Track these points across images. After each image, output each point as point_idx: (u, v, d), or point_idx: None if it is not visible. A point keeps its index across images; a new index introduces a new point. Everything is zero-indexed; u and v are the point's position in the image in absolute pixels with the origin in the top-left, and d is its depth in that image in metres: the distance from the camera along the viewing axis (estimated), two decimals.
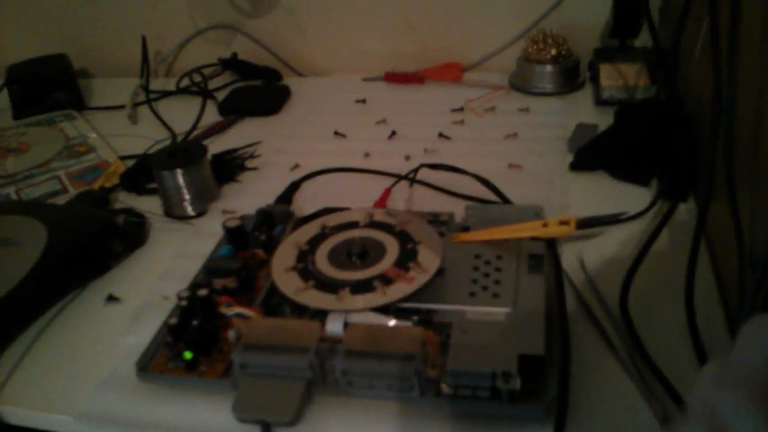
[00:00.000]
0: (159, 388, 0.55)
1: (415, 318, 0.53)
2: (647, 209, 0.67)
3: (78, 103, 1.07)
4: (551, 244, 0.60)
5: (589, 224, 0.62)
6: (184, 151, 0.78)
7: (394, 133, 0.88)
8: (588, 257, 0.62)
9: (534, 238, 0.59)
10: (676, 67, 0.68)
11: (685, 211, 0.67)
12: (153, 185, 0.82)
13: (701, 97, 0.69)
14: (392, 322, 0.52)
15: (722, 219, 0.59)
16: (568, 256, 0.62)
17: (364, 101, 0.99)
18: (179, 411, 0.52)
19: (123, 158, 0.90)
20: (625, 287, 0.57)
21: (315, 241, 0.61)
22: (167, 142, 0.93)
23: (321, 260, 0.58)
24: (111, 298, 0.66)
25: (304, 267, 0.58)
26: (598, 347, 0.54)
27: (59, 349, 0.61)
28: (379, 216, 0.63)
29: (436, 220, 0.64)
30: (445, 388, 0.48)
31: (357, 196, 0.73)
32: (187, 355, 0.53)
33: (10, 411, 0.56)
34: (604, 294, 0.58)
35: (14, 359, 0.60)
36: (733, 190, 0.52)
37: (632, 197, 0.70)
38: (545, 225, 0.58)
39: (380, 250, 0.58)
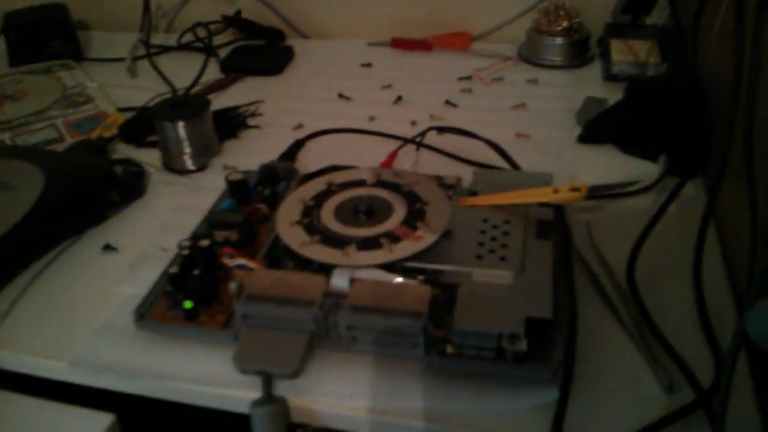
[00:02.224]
0: (157, 337, 0.54)
1: (421, 278, 0.52)
2: (655, 183, 0.66)
3: (76, 53, 1.04)
4: (559, 211, 0.59)
5: (600, 193, 0.61)
6: (186, 104, 0.76)
7: (399, 98, 0.87)
8: (594, 227, 0.61)
9: (543, 205, 0.58)
10: (695, 43, 0.67)
11: (693, 187, 0.66)
12: (152, 138, 0.80)
13: (717, 74, 0.68)
14: (398, 280, 0.51)
15: (731, 196, 0.59)
16: (574, 226, 0.62)
17: (369, 65, 0.97)
18: (177, 360, 0.52)
19: (122, 110, 0.88)
20: (633, 257, 0.56)
21: (321, 197, 0.60)
22: (167, 96, 0.91)
23: (327, 216, 0.57)
24: (108, 248, 0.64)
25: (310, 222, 0.57)
26: (604, 316, 0.53)
27: (54, 296, 0.59)
28: (387, 176, 0.62)
29: (442, 184, 0.63)
30: (449, 348, 0.48)
31: (362, 158, 0.71)
32: (188, 304, 0.52)
33: (1, 356, 0.55)
34: (610, 264, 0.57)
35: (7, 304, 0.59)
36: (751, 168, 0.51)
37: (640, 172, 0.69)
38: (556, 191, 0.57)
39: (387, 209, 0.57)
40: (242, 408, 0.48)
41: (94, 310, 0.58)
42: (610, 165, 0.71)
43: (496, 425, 0.45)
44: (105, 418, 0.50)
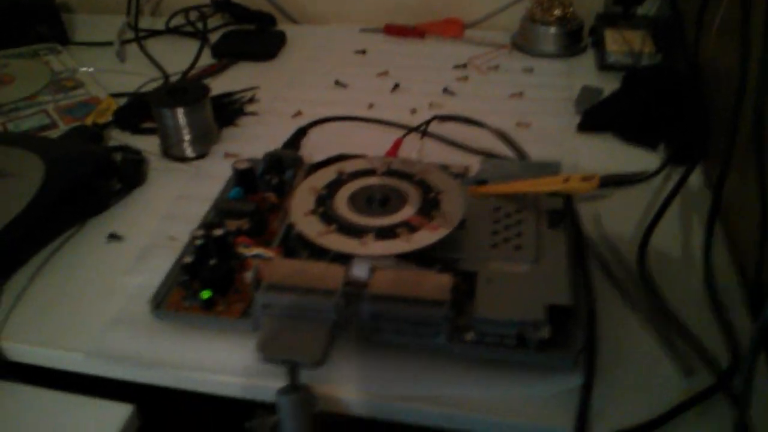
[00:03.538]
0: (170, 327, 0.53)
1: (438, 266, 0.53)
2: (657, 172, 0.68)
3: (62, 37, 1.02)
4: (568, 201, 0.60)
5: (610, 182, 0.62)
6: (183, 91, 0.75)
7: (397, 85, 0.87)
8: (600, 216, 0.62)
9: (553, 194, 0.59)
10: (698, 36, 0.68)
11: (694, 174, 0.68)
12: (148, 124, 0.79)
13: (717, 67, 0.70)
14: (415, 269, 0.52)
15: (736, 185, 0.60)
16: (582, 215, 0.63)
17: (363, 52, 0.97)
18: (194, 350, 0.51)
19: (113, 95, 0.86)
20: (643, 244, 0.58)
21: (332, 187, 0.59)
22: (159, 82, 0.90)
23: (341, 205, 0.57)
24: (113, 237, 0.63)
25: (324, 211, 0.56)
26: (617, 303, 0.54)
27: (60, 287, 0.59)
28: (397, 165, 0.62)
29: (449, 173, 0.64)
30: (469, 336, 0.48)
31: (364, 146, 0.71)
32: (205, 294, 0.52)
33: (10, 347, 0.54)
34: (621, 251, 0.58)
35: (13, 295, 0.58)
36: (762, 161, 0.53)
37: (639, 160, 0.70)
38: (567, 180, 0.57)
39: (401, 199, 0.58)
40: (264, 397, 0.48)
41: (102, 300, 0.57)
42: (610, 153, 0.72)
43: (518, 410, 0.46)
44: (124, 409, 0.50)
